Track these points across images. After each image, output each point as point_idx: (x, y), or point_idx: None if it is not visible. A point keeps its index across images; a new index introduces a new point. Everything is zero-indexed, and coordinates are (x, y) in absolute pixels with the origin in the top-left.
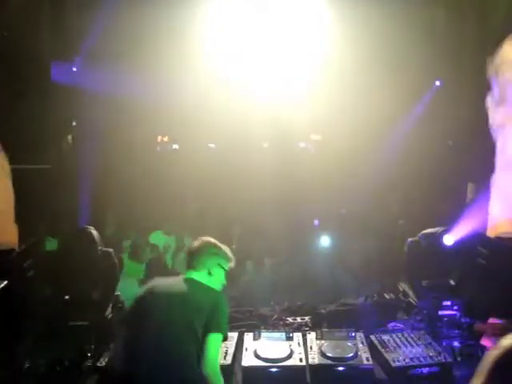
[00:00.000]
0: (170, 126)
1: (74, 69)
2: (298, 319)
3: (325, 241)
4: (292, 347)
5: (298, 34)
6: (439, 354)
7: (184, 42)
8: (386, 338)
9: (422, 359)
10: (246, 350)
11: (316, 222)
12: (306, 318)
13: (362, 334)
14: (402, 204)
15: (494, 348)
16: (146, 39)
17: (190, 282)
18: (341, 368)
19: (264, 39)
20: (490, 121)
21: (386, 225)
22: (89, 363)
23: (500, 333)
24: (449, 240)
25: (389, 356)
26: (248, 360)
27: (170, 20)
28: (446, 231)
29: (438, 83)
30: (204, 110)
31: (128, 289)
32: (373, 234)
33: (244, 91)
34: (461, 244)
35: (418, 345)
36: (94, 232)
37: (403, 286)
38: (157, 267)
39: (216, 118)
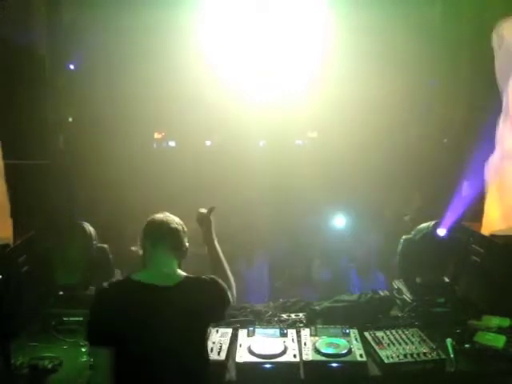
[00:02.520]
0: (167, 123)
1: (72, 66)
2: (293, 316)
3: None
4: (286, 343)
5: (296, 33)
6: (433, 350)
7: (181, 39)
8: (379, 334)
9: (415, 356)
10: (240, 345)
11: None
12: (301, 315)
13: (356, 331)
14: (400, 201)
15: None
16: (143, 37)
17: None
18: (335, 364)
19: (261, 37)
20: None
21: (383, 222)
22: (83, 359)
23: (493, 330)
24: (441, 232)
25: (382, 353)
26: (242, 356)
27: (168, 18)
28: (438, 224)
29: (434, 82)
30: (201, 108)
31: None
32: (372, 230)
33: (241, 89)
34: (455, 241)
35: (411, 342)
36: (89, 228)
37: (397, 283)
38: None
39: (213, 116)
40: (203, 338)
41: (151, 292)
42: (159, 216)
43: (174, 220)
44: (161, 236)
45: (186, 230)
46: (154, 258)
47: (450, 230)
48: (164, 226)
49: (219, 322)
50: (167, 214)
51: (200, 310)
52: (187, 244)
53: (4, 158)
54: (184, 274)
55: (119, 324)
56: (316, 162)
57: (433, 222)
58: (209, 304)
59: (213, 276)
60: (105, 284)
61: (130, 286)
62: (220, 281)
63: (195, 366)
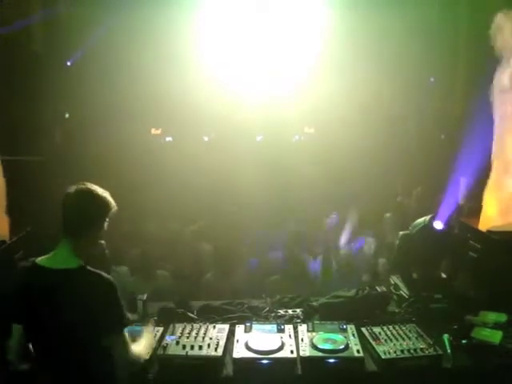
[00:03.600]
0: (164, 119)
1: (69, 63)
2: (290, 311)
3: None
4: (283, 339)
5: (295, 31)
6: (430, 346)
7: (181, 37)
8: (376, 330)
9: (412, 351)
10: (237, 341)
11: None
12: (298, 311)
13: (353, 326)
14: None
15: None
16: (143, 35)
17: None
18: (332, 360)
19: (259, 35)
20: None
21: (379, 217)
22: None
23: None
24: (438, 225)
25: (379, 348)
26: (239, 352)
27: (169, 18)
28: (434, 218)
29: (432, 79)
30: (198, 104)
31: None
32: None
33: (239, 86)
34: (452, 236)
35: (408, 337)
36: None
37: (394, 279)
38: None
39: (210, 112)
40: (92, 336)
41: (44, 275)
42: (76, 190)
43: (91, 198)
44: (68, 217)
45: (106, 211)
46: (61, 240)
47: (447, 224)
48: (74, 205)
49: (109, 331)
50: (90, 187)
51: (84, 303)
52: (99, 229)
53: (1, 153)
54: (81, 263)
55: (18, 306)
56: (313, 157)
57: (429, 216)
58: (96, 301)
59: (110, 278)
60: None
61: (29, 268)
62: (116, 289)
63: (83, 359)
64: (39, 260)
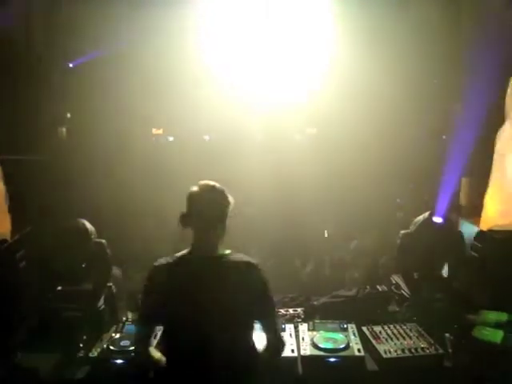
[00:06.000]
0: (165, 119)
1: (71, 65)
2: (291, 311)
3: None
4: (284, 338)
5: (297, 32)
6: (431, 345)
7: (182, 37)
8: (377, 329)
9: (413, 351)
10: None
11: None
12: (299, 310)
13: (353, 326)
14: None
15: None
16: (144, 36)
17: None
18: (332, 359)
19: (261, 35)
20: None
21: (382, 217)
22: (81, 354)
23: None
24: (437, 219)
25: (380, 347)
26: None
27: (169, 18)
28: (433, 214)
29: (435, 81)
30: (199, 103)
31: None
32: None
33: (240, 85)
34: (451, 232)
35: (409, 336)
36: (87, 224)
37: (396, 279)
38: None
39: (211, 111)
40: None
41: (197, 263)
42: (209, 186)
43: (223, 193)
44: (207, 212)
45: (231, 203)
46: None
47: (445, 218)
48: (212, 201)
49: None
50: (217, 184)
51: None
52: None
53: (3, 153)
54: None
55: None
56: (316, 158)
57: (428, 212)
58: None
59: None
60: None
61: (176, 260)
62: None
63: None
64: (182, 253)
